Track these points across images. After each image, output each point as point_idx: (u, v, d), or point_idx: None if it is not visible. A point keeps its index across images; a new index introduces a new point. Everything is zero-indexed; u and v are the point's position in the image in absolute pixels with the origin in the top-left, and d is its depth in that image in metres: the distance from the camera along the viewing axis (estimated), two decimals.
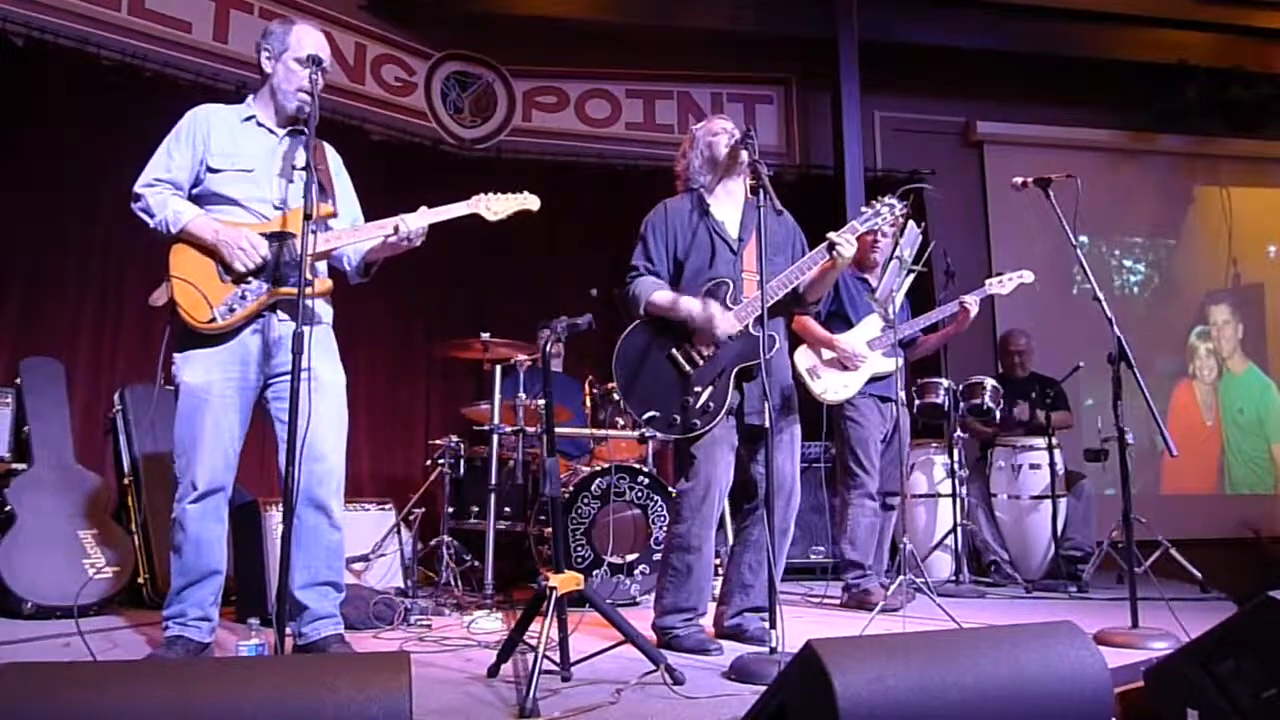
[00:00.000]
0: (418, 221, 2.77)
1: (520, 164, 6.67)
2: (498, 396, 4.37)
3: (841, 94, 6.77)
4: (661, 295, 3.06)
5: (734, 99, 7.27)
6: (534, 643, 2.22)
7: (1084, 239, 5.36)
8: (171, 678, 1.31)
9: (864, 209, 3.15)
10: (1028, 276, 4.49)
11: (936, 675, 1.66)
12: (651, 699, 2.22)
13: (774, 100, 7.36)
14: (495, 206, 2.88)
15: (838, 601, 4.20)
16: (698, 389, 2.99)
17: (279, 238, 2.71)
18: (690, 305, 3.00)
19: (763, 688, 2.12)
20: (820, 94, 7.16)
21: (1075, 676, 1.75)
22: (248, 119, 2.85)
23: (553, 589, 2.33)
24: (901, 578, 3.71)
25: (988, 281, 4.52)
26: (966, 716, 1.62)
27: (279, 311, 2.74)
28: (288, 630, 2.38)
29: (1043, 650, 1.77)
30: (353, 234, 2.82)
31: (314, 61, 2.65)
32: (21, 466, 3.82)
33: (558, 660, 2.41)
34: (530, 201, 2.92)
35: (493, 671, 2.46)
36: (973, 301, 4.33)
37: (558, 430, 3.74)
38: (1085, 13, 7.02)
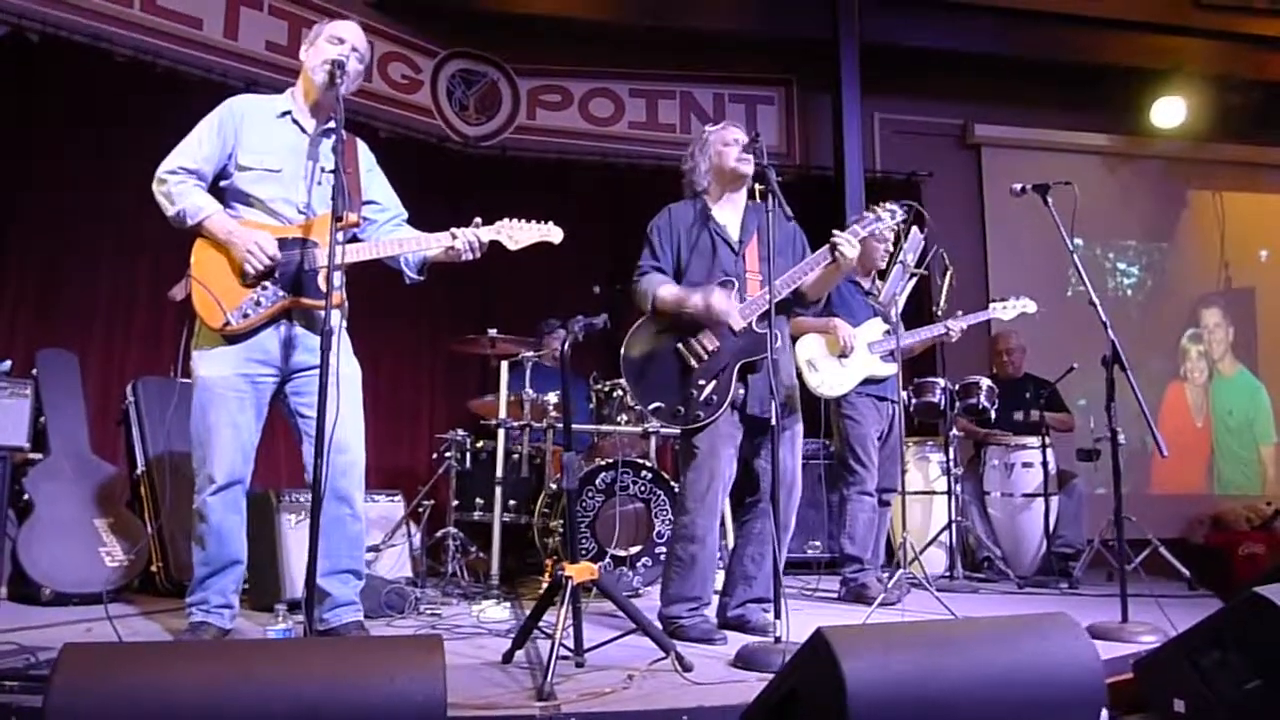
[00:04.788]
0: (437, 248, 2.82)
1: (524, 162, 6.75)
2: (504, 391, 4.45)
3: (842, 95, 6.84)
4: (668, 290, 3.15)
5: (735, 99, 7.34)
6: (547, 630, 2.30)
7: (1079, 241, 5.41)
8: (230, 656, 1.40)
9: (866, 213, 3.24)
10: (1030, 306, 4.65)
11: (939, 662, 1.76)
12: (663, 684, 2.30)
13: (775, 101, 7.44)
14: (517, 236, 2.86)
15: (834, 595, 4.30)
16: (701, 382, 3.08)
17: (300, 244, 2.73)
18: (698, 298, 3.08)
19: (769, 675, 2.21)
20: (821, 95, 7.23)
21: (1069, 664, 1.85)
22: (283, 114, 2.86)
23: (569, 578, 2.42)
24: (902, 571, 3.80)
25: (991, 305, 4.66)
26: (967, 701, 1.72)
27: (294, 319, 2.77)
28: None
29: (1039, 639, 1.87)
30: (372, 249, 2.81)
31: (339, 62, 2.71)
32: (39, 456, 3.88)
33: (571, 646, 2.49)
34: (553, 234, 2.89)
35: (507, 657, 2.54)
36: (956, 329, 4.44)
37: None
38: (1082, 18, 7.11)
